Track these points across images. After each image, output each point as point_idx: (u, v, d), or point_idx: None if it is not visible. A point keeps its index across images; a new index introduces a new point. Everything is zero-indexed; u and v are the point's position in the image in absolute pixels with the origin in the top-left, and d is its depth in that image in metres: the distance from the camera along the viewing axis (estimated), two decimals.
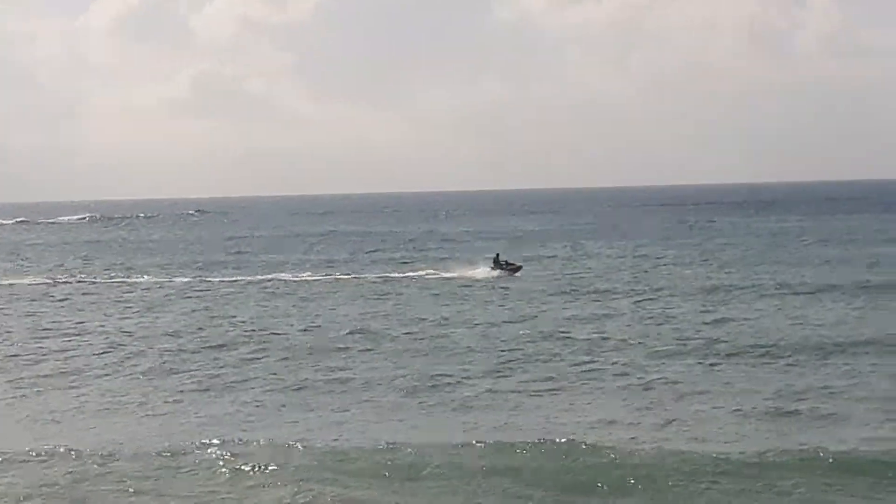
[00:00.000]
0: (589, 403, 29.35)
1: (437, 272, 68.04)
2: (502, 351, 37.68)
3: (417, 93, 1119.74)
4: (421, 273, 67.96)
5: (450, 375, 33.45)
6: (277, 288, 62.33)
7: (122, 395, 31.98)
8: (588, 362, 35.22)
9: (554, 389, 31.25)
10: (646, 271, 66.22)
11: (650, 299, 51.73)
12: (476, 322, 45.35)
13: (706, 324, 42.85)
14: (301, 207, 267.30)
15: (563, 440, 24.51)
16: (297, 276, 68.61)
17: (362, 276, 68.24)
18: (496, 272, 65.04)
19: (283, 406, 30.16)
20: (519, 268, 66.09)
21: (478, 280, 63.27)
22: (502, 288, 58.75)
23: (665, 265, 70.20)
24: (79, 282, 69.10)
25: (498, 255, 69.04)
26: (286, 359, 37.29)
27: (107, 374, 35.36)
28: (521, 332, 41.66)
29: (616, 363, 34.83)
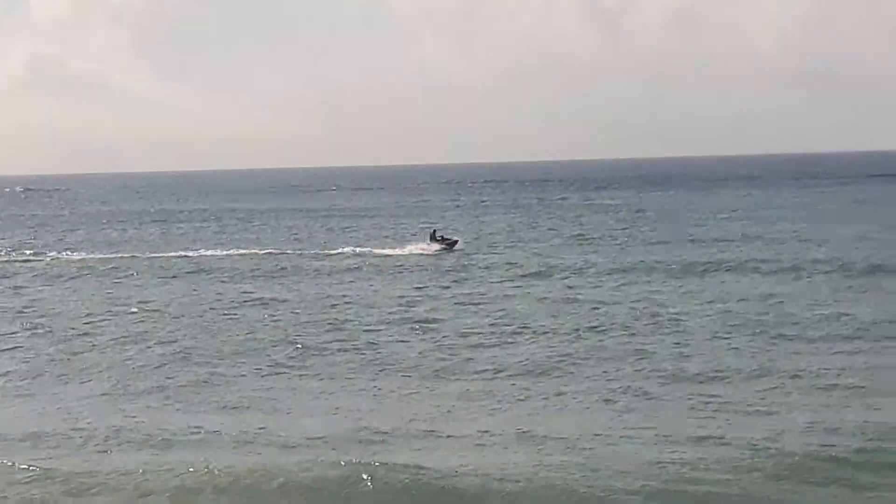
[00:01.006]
0: (375, 394, 27.42)
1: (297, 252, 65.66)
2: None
3: (262, 73, 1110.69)
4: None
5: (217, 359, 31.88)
6: (77, 268, 60.02)
7: None
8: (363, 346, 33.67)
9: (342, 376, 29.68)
10: (467, 254, 64.08)
11: (466, 281, 50.35)
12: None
13: (518, 308, 41.04)
14: (134, 185, 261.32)
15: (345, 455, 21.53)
16: (95, 255, 67.15)
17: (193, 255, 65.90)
18: (434, 247, 63.65)
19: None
20: (455, 242, 65.38)
21: (409, 255, 61.12)
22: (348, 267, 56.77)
23: (490, 247, 67.73)
24: None
25: (434, 230, 68.39)
26: (53, 342, 35.44)
27: None
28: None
29: (400, 347, 33.36)
